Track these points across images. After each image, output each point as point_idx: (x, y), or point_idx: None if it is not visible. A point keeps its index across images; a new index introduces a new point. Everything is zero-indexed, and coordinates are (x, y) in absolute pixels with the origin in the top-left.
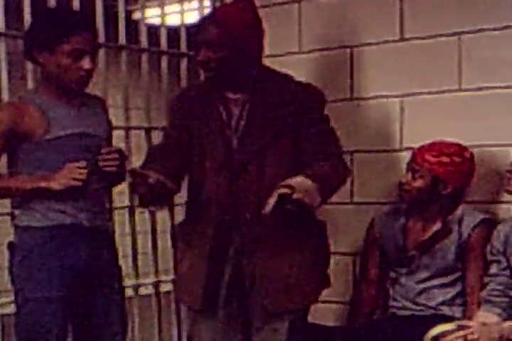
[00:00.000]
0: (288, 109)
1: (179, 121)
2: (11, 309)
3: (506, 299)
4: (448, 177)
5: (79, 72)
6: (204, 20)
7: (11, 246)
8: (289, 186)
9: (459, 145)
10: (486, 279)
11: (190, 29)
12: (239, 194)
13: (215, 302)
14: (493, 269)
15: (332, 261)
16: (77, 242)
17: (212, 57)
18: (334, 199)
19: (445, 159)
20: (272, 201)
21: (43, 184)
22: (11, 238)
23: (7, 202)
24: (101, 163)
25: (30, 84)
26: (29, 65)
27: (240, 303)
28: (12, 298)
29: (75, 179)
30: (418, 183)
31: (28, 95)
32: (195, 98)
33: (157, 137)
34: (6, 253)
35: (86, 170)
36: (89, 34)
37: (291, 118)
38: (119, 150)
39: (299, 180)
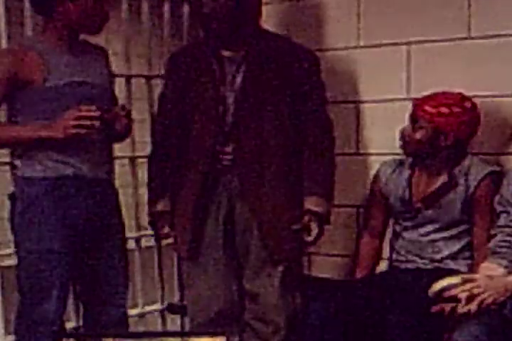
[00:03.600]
0: (285, 68)
1: (174, 83)
2: (12, 261)
3: None
4: (448, 128)
5: (101, 16)
6: None
7: (12, 196)
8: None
9: (459, 94)
10: (494, 230)
11: None
12: (236, 144)
13: (205, 249)
14: (502, 220)
15: (335, 213)
16: (79, 193)
17: (219, 10)
18: (339, 150)
19: (444, 109)
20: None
21: (45, 133)
22: (11, 188)
23: (6, 151)
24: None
25: (29, 30)
26: (27, 12)
27: (233, 250)
28: (12, 250)
29: (80, 126)
30: (418, 135)
31: (29, 41)
32: (190, 57)
33: (158, 85)
34: (7, 204)
35: (95, 116)
36: None
37: (289, 77)
38: (128, 110)
39: (315, 207)
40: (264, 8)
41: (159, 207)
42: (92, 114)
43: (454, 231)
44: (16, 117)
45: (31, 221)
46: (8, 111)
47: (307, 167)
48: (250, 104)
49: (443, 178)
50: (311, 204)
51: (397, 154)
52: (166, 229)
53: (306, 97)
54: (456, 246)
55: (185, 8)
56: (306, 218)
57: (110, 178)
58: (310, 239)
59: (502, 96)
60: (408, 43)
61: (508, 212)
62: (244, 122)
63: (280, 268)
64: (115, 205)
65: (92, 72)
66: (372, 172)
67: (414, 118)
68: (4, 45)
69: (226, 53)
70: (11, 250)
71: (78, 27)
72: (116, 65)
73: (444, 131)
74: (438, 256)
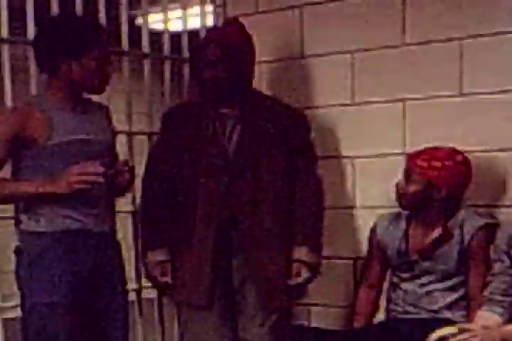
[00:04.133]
0: (277, 126)
1: (171, 136)
2: (15, 313)
3: (509, 298)
4: (440, 181)
5: (105, 76)
6: (207, 41)
7: (17, 250)
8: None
9: (450, 149)
10: (489, 278)
11: (193, 34)
12: (236, 198)
13: (214, 299)
14: (496, 268)
15: (333, 265)
16: (83, 247)
17: (218, 75)
18: (336, 203)
19: (436, 163)
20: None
21: (48, 188)
22: (14, 242)
23: (10, 206)
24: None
25: (34, 89)
26: (32, 71)
27: (230, 300)
28: (16, 302)
29: (83, 182)
30: (412, 188)
31: (33, 100)
32: (188, 114)
33: None
34: (12, 258)
35: (99, 172)
36: (104, 38)
37: (280, 135)
38: (131, 165)
39: (305, 257)
40: (257, 67)
41: (159, 257)
42: (96, 170)
43: (450, 283)
44: (20, 174)
45: (37, 274)
46: (12, 168)
47: (298, 220)
48: (247, 159)
49: (438, 230)
50: (301, 254)
51: (393, 207)
52: (168, 279)
53: (297, 154)
54: (452, 297)
55: (186, 67)
56: (296, 267)
57: (113, 231)
58: (297, 281)
59: (493, 150)
60: (403, 100)
61: (502, 260)
62: (242, 175)
63: (273, 318)
64: (118, 258)
65: (95, 129)
66: (369, 224)
67: (407, 173)
68: (9, 103)
69: (223, 111)
70: (14, 302)
71: (81, 86)
72: (119, 122)
73: (437, 184)
74: (435, 307)
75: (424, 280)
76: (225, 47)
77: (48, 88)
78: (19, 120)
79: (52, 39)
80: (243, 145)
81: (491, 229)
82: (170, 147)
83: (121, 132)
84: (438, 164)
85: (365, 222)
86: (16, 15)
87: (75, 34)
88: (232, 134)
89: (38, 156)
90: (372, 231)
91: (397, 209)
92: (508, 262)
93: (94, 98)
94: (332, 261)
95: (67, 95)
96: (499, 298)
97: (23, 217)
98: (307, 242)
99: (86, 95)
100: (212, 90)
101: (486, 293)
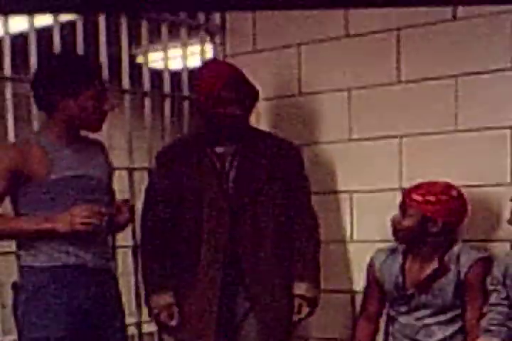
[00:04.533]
0: (273, 161)
1: (168, 175)
2: None
3: (505, 329)
4: (435, 215)
5: (100, 115)
6: (226, 79)
7: (14, 286)
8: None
9: (445, 184)
10: (486, 309)
11: (193, 73)
12: (238, 239)
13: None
14: (493, 299)
15: (331, 299)
16: (81, 283)
17: (239, 113)
18: (334, 237)
19: (431, 198)
20: None
21: (48, 225)
22: (15, 278)
23: (11, 241)
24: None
25: (36, 126)
26: (35, 108)
27: (232, 336)
28: (14, 336)
29: (85, 223)
30: (407, 222)
31: (34, 136)
32: (183, 151)
33: None
34: (10, 293)
35: (101, 217)
36: (101, 77)
37: (276, 170)
38: (131, 205)
39: (305, 292)
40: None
41: (165, 300)
42: (99, 212)
43: (447, 316)
44: (19, 210)
45: (35, 309)
46: (11, 203)
47: (296, 256)
48: (246, 197)
49: (434, 264)
50: (301, 290)
51: (390, 241)
52: (175, 322)
53: (292, 189)
54: (449, 331)
55: (186, 104)
56: (297, 302)
57: (111, 267)
58: (300, 317)
59: (488, 185)
60: (399, 136)
61: (498, 291)
62: (242, 215)
63: None
64: (116, 294)
65: (92, 165)
66: (367, 258)
67: (403, 207)
68: (12, 139)
69: (220, 149)
70: (12, 337)
71: (78, 124)
72: (119, 158)
73: (432, 217)
74: (432, 340)
75: (421, 313)
76: (245, 84)
77: (47, 125)
78: (18, 156)
79: (49, 78)
80: (242, 184)
81: (486, 262)
82: (168, 187)
83: (122, 168)
84: (433, 198)
85: (362, 255)
86: (19, 54)
87: (71, 73)
88: (229, 172)
89: (36, 192)
90: (370, 266)
91: (394, 244)
92: (504, 293)
93: (97, 134)
94: (330, 294)
95: (65, 132)
96: (496, 328)
97: (22, 252)
98: (306, 278)
99: (84, 132)
100: (230, 127)
101: (483, 323)
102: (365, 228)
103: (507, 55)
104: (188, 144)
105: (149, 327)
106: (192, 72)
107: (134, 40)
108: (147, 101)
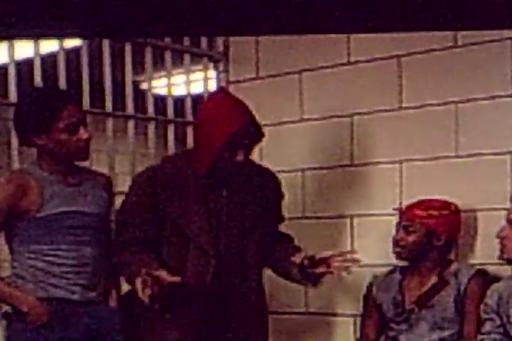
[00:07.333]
0: (257, 188)
1: (152, 200)
2: None
3: None
4: (439, 228)
5: (78, 144)
6: (246, 124)
7: (5, 315)
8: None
9: (443, 199)
10: (480, 337)
11: (196, 99)
12: (224, 278)
13: None
14: (487, 327)
15: (333, 322)
16: (71, 315)
17: (243, 159)
18: None
19: (434, 212)
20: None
21: (16, 302)
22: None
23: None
24: None
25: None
26: None
27: None
28: None
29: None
30: (412, 237)
31: (32, 167)
32: (171, 180)
33: None
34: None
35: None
36: (75, 105)
37: (261, 197)
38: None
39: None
40: None
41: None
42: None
43: (447, 333)
44: (13, 246)
45: (29, 339)
46: (5, 238)
47: (282, 250)
48: (235, 235)
49: (434, 279)
50: (302, 254)
51: (391, 265)
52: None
53: (275, 220)
54: None
55: (189, 130)
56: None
57: (104, 299)
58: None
59: (489, 210)
60: (400, 161)
61: (492, 319)
62: (230, 253)
63: None
64: (111, 325)
65: (88, 201)
66: (366, 282)
67: (405, 224)
68: (16, 164)
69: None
70: None
71: (61, 156)
72: (123, 184)
73: (436, 232)
74: None
75: (421, 329)
76: (256, 129)
77: (38, 159)
78: (15, 191)
79: (21, 116)
80: (232, 222)
81: (485, 275)
82: (150, 214)
83: (125, 193)
84: (436, 213)
85: (363, 279)
86: (24, 80)
87: (37, 110)
88: (218, 200)
89: (28, 228)
90: (368, 289)
91: (391, 267)
92: (498, 321)
93: (100, 160)
94: (331, 318)
95: (55, 166)
96: None
97: (13, 280)
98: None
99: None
100: (230, 174)
101: None
102: (365, 252)
103: (507, 82)
104: (176, 173)
105: None
106: (196, 98)
107: (139, 66)
108: (151, 127)
